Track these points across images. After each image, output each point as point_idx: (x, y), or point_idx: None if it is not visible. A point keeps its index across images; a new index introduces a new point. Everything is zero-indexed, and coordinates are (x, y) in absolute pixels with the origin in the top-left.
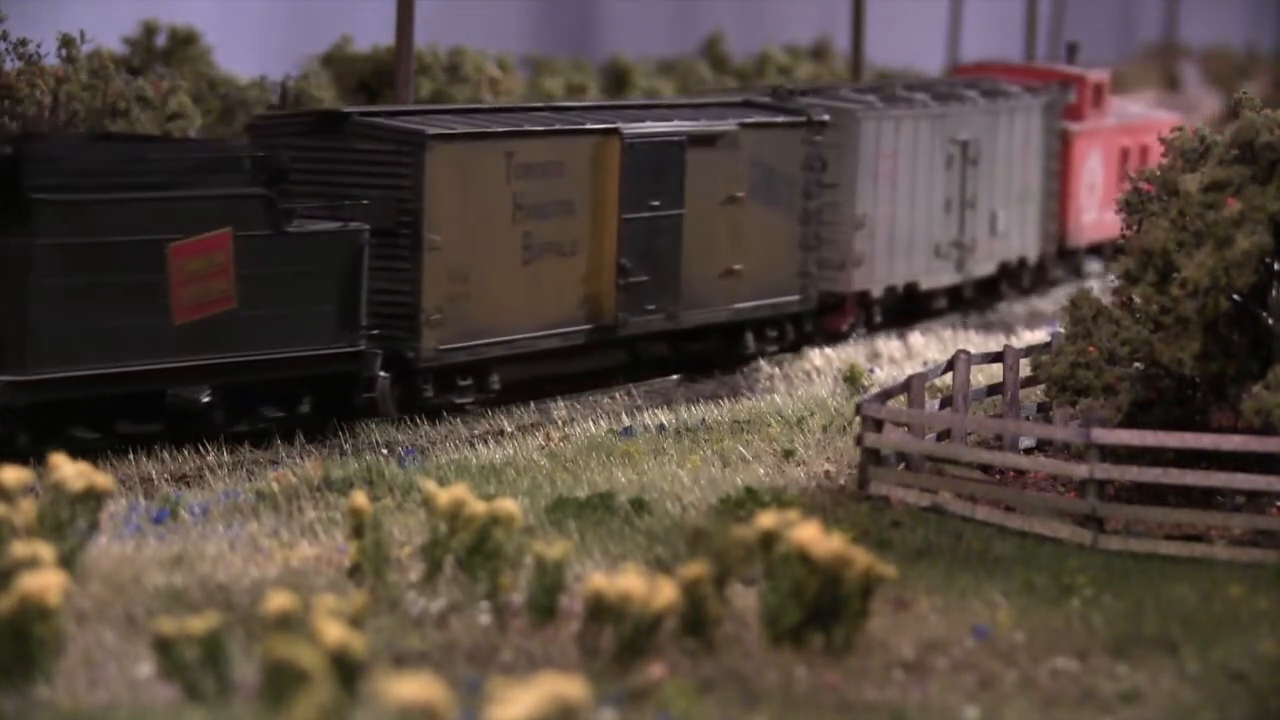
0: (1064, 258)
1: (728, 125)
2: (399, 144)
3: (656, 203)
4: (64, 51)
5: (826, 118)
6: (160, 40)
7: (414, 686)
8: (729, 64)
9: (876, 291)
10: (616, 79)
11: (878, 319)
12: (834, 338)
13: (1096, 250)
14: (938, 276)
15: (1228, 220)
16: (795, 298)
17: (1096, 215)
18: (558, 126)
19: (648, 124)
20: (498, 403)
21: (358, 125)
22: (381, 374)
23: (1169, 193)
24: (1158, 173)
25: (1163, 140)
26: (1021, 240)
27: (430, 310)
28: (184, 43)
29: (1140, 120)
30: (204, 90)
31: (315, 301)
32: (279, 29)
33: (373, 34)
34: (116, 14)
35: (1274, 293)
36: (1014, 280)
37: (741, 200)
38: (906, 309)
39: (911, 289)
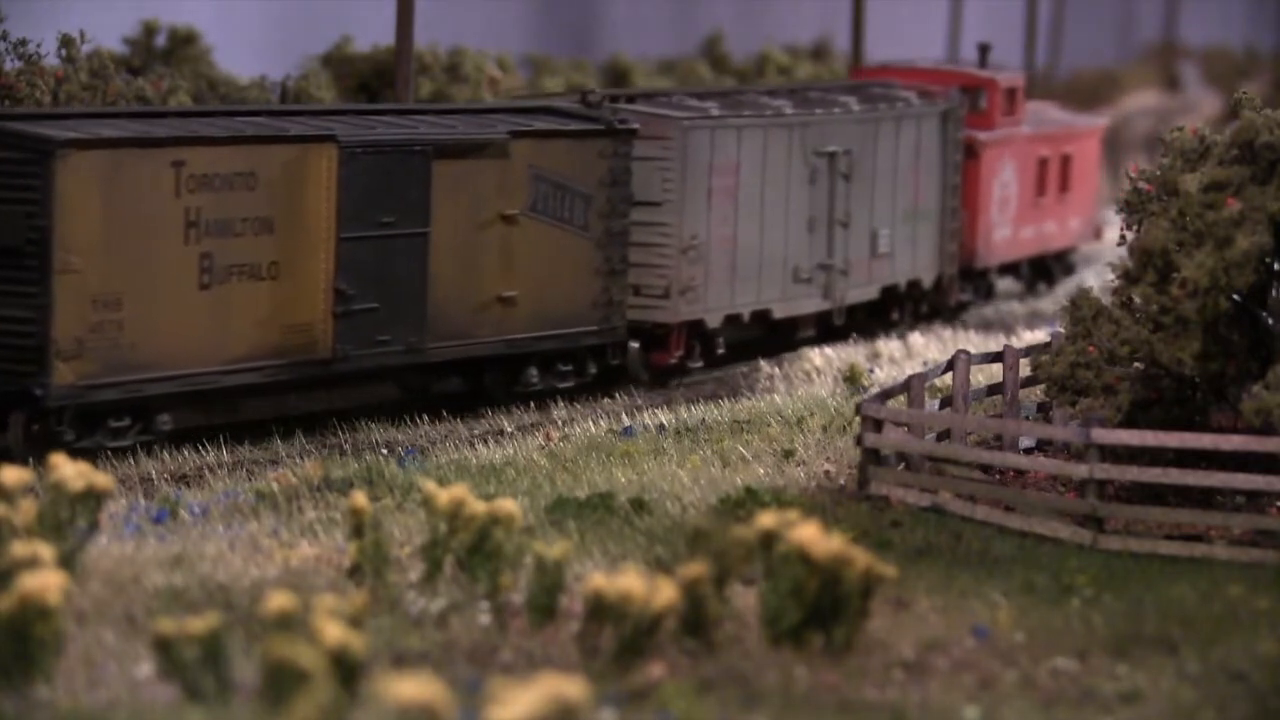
0: (972, 279)
1: (494, 134)
2: (25, 150)
3: (389, 220)
4: (64, 51)
5: (635, 127)
6: (160, 40)
7: (414, 686)
8: (729, 64)
9: (713, 321)
10: (616, 79)
11: (720, 351)
12: (661, 373)
13: (1012, 269)
14: (798, 303)
15: (1228, 220)
16: (592, 328)
17: (1011, 232)
18: (247, 133)
19: (377, 131)
20: (161, 443)
21: None
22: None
23: (1169, 193)
24: (1158, 172)
25: (1162, 140)
26: (913, 261)
27: (64, 341)
28: (184, 43)
29: (1061, 128)
30: (204, 90)
31: None
32: (279, 29)
33: (373, 34)
34: (116, 14)
35: (1274, 293)
36: (906, 305)
37: (516, 218)
38: (769, 339)
39: (764, 317)
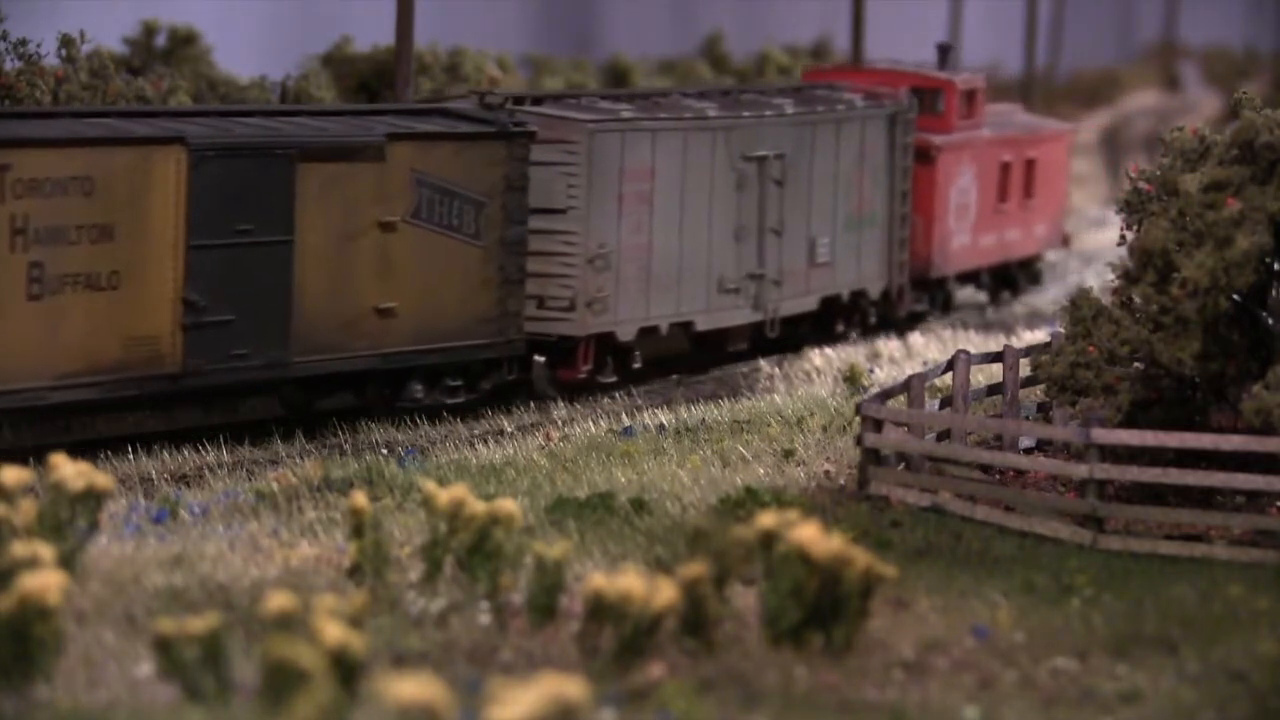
0: (928, 288)
1: (368, 136)
2: None
3: (247, 227)
4: (64, 51)
5: (532, 130)
6: (160, 40)
7: (414, 686)
8: (729, 64)
9: (625, 334)
10: (617, 79)
11: (635, 365)
12: (570, 389)
13: (972, 278)
14: (724, 315)
15: (1228, 220)
16: (484, 341)
17: (970, 240)
18: (82, 135)
19: (235, 132)
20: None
21: None
22: None
23: (1169, 193)
24: (1158, 172)
25: (1162, 140)
26: (857, 271)
27: None
28: (184, 43)
29: (1025, 131)
30: (204, 90)
31: None
32: (279, 29)
33: (373, 34)
34: (116, 14)
35: (1274, 293)
36: (853, 316)
37: (395, 225)
38: (699, 352)
39: (686, 329)
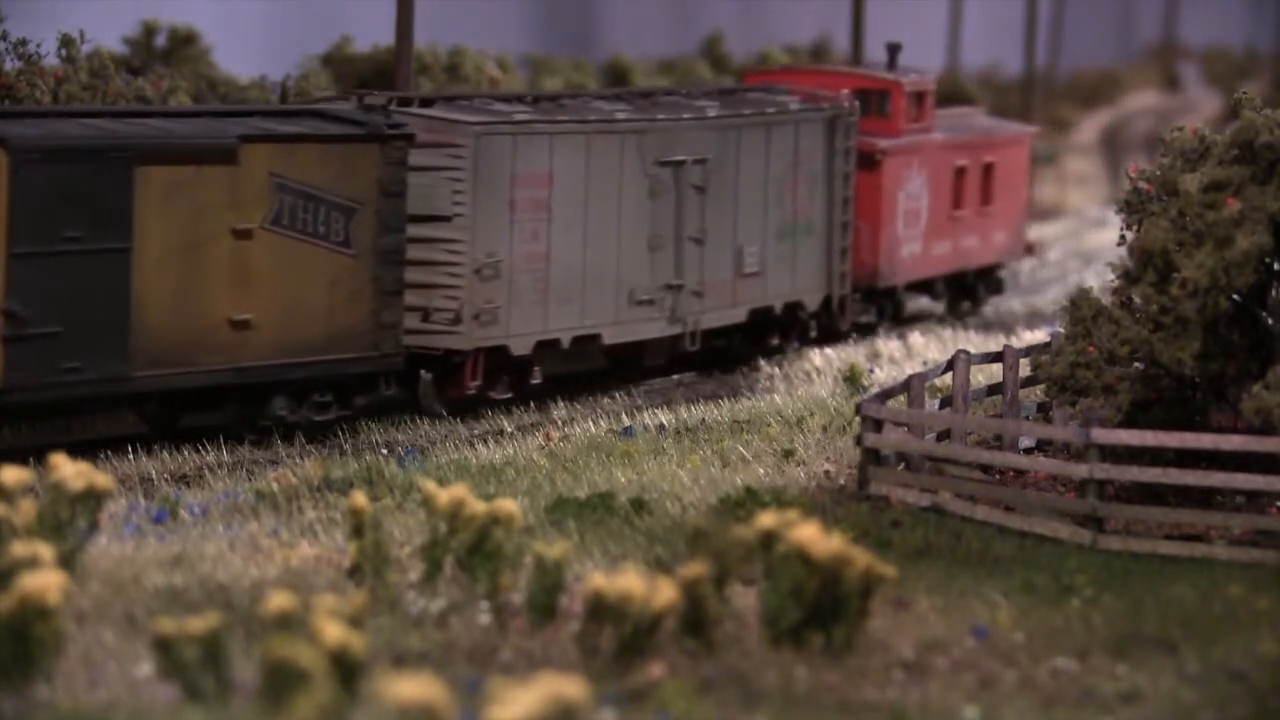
0: (876, 298)
1: (218, 138)
2: None
3: (78, 234)
4: (64, 51)
5: (409, 133)
6: (160, 40)
7: (414, 686)
8: (729, 64)
9: (520, 348)
10: (616, 79)
11: (535, 380)
12: (460, 405)
13: (925, 288)
14: (636, 328)
15: (1228, 220)
16: (356, 355)
17: (921, 248)
18: None
19: (66, 134)
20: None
21: None
22: None
23: (1169, 193)
24: (1158, 172)
25: (1162, 140)
26: (792, 281)
27: None
28: (184, 43)
29: (981, 135)
30: (204, 90)
31: None
32: (279, 29)
33: (373, 34)
34: (116, 14)
35: (1274, 293)
36: (790, 328)
37: (252, 232)
38: (616, 367)
39: (592, 343)
